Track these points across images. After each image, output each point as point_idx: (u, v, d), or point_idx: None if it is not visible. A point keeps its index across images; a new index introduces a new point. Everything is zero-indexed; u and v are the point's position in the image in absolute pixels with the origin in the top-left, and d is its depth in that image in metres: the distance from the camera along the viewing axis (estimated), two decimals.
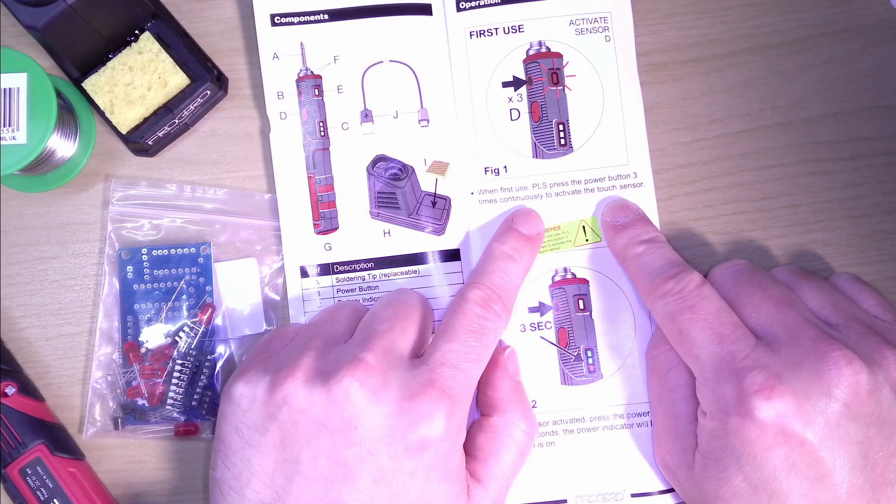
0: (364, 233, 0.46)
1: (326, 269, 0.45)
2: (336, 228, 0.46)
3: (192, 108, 0.45)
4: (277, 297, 0.46)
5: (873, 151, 0.46)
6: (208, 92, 0.45)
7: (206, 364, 0.45)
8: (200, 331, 0.45)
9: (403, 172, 0.45)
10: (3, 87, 0.43)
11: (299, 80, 0.46)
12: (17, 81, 0.43)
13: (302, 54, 0.46)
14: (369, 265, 0.45)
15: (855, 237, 0.46)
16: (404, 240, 0.45)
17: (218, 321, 0.45)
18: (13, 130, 0.43)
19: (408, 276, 0.45)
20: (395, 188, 0.45)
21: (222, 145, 0.47)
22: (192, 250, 0.46)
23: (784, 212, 0.46)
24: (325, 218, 0.46)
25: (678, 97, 0.47)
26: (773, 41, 0.47)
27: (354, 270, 0.45)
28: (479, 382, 0.42)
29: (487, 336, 0.41)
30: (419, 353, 0.41)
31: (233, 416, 0.39)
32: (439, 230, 0.45)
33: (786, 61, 0.47)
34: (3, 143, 0.42)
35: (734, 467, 0.37)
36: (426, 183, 0.46)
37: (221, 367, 0.45)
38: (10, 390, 0.44)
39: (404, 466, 0.37)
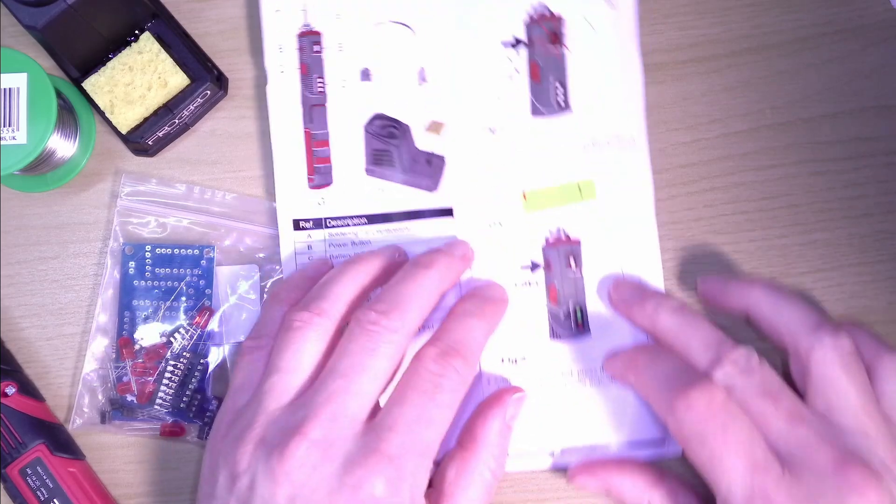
0: (359, 189, 0.46)
1: (319, 224, 0.46)
2: (330, 183, 0.46)
3: (192, 108, 0.45)
4: None
5: (873, 151, 0.46)
6: (208, 92, 0.45)
7: (199, 367, 0.45)
8: (196, 333, 0.45)
9: (399, 131, 0.46)
10: (3, 87, 0.43)
11: (300, 36, 0.46)
12: (17, 81, 0.43)
13: (304, 10, 0.46)
14: (362, 221, 0.46)
15: (855, 237, 0.46)
16: (399, 197, 0.46)
17: (214, 325, 0.45)
18: (13, 130, 0.43)
19: (400, 232, 0.46)
20: (390, 146, 0.46)
21: (222, 145, 0.47)
22: (196, 252, 0.46)
23: (784, 212, 0.46)
24: (319, 173, 0.46)
25: (678, 97, 0.47)
26: (773, 41, 0.47)
27: (347, 226, 0.46)
28: (471, 410, 0.42)
29: (443, 394, 0.39)
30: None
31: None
32: (432, 187, 0.46)
33: (786, 61, 0.47)
34: (3, 143, 0.42)
35: None
36: (422, 142, 0.46)
37: (213, 372, 0.45)
38: (10, 390, 0.44)
39: None
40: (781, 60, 0.47)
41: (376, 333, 0.39)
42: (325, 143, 0.46)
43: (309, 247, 0.46)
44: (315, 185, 0.46)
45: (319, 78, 0.46)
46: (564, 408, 0.45)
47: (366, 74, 0.46)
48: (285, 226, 0.46)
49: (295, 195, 0.46)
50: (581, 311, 0.45)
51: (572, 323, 0.45)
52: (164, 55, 0.45)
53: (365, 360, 0.38)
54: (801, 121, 0.46)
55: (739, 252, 0.46)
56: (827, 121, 0.46)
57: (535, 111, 0.46)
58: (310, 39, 0.46)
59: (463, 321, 0.42)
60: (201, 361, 0.45)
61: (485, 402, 0.42)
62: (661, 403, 0.40)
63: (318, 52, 0.46)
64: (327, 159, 0.46)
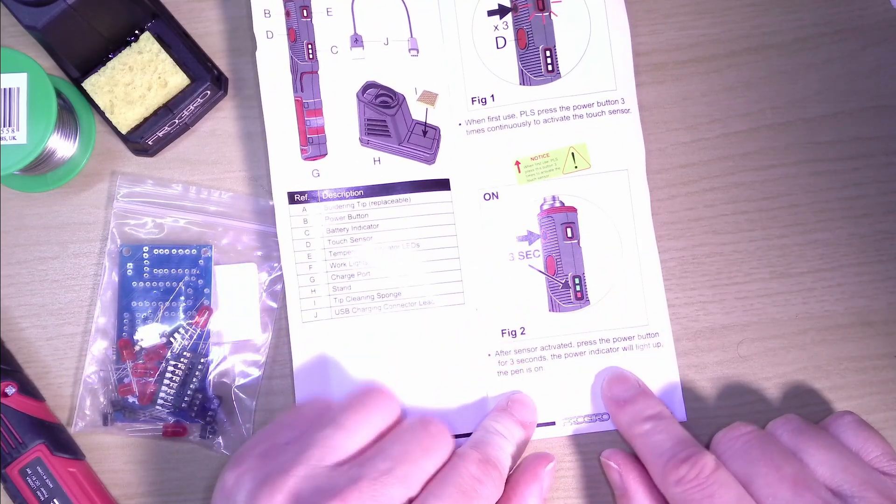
0: (353, 160, 0.45)
1: (314, 196, 0.45)
2: (324, 155, 0.45)
3: (192, 108, 0.45)
4: (275, 305, 0.46)
5: (873, 151, 0.46)
6: (208, 92, 0.45)
7: (199, 367, 0.45)
8: (196, 333, 0.45)
9: (394, 100, 0.45)
10: (3, 87, 0.43)
11: (287, 0, 0.46)
12: (17, 81, 0.43)
13: None
14: (359, 193, 0.45)
15: (855, 237, 0.46)
16: (395, 168, 0.45)
17: (213, 325, 0.45)
18: (13, 130, 0.43)
19: (399, 204, 0.45)
20: (385, 115, 0.45)
21: (222, 145, 0.47)
22: (194, 251, 0.46)
23: (784, 212, 0.46)
24: (312, 143, 0.45)
25: (678, 97, 0.47)
26: (773, 41, 0.47)
27: (343, 198, 0.45)
28: (506, 487, 0.42)
29: (480, 501, 0.39)
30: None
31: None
32: (430, 159, 0.45)
33: (786, 61, 0.47)
34: (3, 143, 0.43)
35: None
36: (417, 112, 0.46)
37: (214, 371, 0.45)
38: (10, 390, 0.44)
39: None
40: (781, 60, 0.47)
41: (435, 438, 0.40)
42: (318, 112, 0.45)
43: (305, 220, 0.45)
44: (309, 157, 0.45)
45: (309, 44, 0.45)
46: (565, 378, 0.45)
47: (356, 41, 0.45)
48: (280, 198, 0.45)
49: (288, 167, 0.45)
50: (580, 280, 0.45)
51: (571, 293, 0.45)
52: (164, 55, 0.45)
53: (418, 457, 0.39)
54: (801, 121, 0.46)
55: (739, 252, 0.46)
56: (827, 121, 0.46)
57: (524, 79, 0.46)
58: (297, 3, 0.45)
59: (498, 440, 0.42)
60: (202, 361, 0.45)
61: (518, 475, 0.43)
62: (655, 473, 0.41)
63: (306, 17, 0.45)
64: (321, 129, 0.45)
